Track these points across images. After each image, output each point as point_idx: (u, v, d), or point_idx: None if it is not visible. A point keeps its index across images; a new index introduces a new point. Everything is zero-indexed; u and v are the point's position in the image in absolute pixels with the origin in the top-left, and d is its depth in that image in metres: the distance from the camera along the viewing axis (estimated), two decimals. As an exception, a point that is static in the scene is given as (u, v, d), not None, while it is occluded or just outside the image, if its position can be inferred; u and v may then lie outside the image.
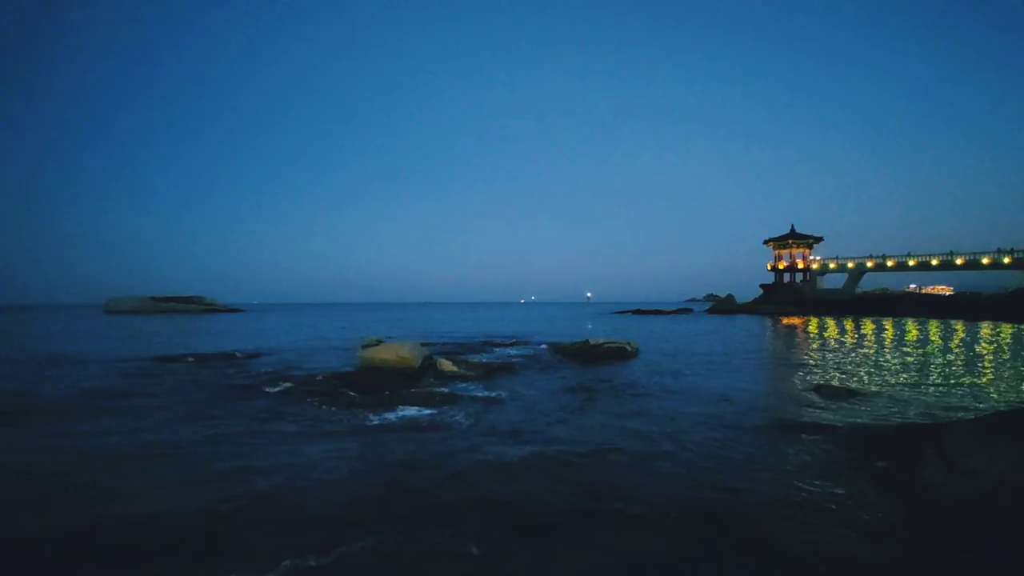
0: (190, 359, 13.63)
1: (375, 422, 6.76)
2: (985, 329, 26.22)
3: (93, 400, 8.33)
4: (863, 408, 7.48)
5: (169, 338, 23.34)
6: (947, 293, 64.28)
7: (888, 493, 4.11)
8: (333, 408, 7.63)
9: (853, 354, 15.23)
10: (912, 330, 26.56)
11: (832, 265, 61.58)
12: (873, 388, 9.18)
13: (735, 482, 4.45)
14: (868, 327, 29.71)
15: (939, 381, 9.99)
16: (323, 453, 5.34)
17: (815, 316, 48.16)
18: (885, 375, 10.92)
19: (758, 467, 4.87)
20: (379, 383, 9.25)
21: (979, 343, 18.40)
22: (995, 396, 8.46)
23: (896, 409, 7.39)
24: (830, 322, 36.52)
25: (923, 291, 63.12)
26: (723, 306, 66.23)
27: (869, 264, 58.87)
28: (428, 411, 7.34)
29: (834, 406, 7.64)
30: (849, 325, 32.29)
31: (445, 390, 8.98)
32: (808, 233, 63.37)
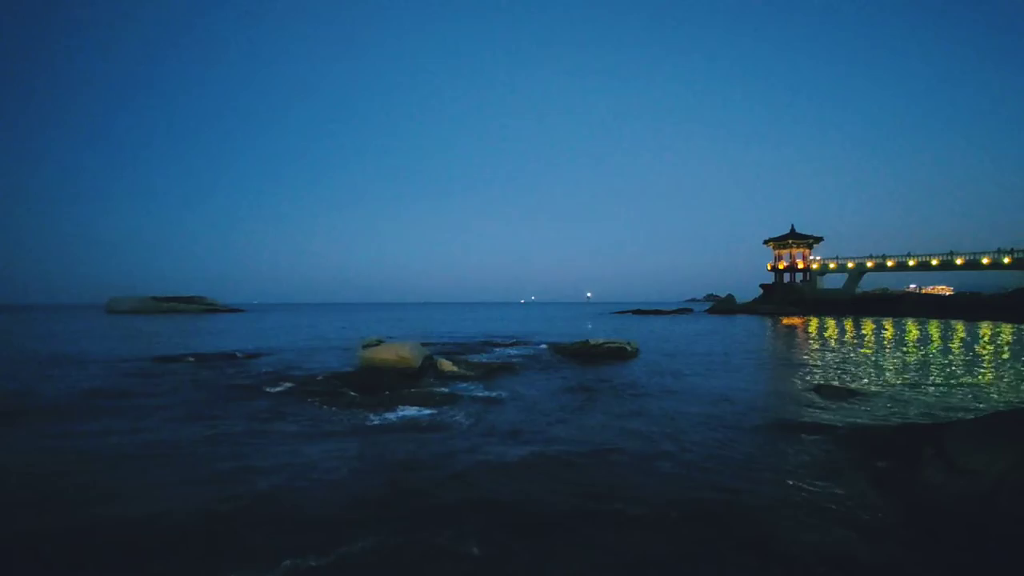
0: (190, 359, 13.63)
1: (375, 422, 6.76)
2: (985, 329, 26.22)
3: (93, 400, 8.34)
4: (863, 408, 7.48)
5: (170, 338, 23.35)
6: (947, 293, 64.28)
7: (888, 493, 4.11)
8: (333, 408, 7.64)
9: (853, 354, 15.23)
10: (912, 330, 26.56)
11: (832, 265, 61.59)
12: (873, 388, 9.18)
13: (735, 482, 4.45)
14: (868, 327, 29.71)
15: (939, 381, 9.99)
16: (323, 453, 5.34)
17: (815, 316, 48.17)
18: (885, 375, 10.92)
19: (758, 467, 4.87)
20: (379, 383, 9.25)
21: (979, 343, 18.40)
22: (995, 396, 8.46)
23: (896, 409, 7.39)
24: (830, 322, 36.52)
25: (923, 291, 63.13)
26: (723, 306, 66.23)
27: (869, 264, 58.88)
28: (428, 411, 7.34)
29: (834, 406, 7.64)
30: (849, 325, 32.29)
31: (445, 390, 8.99)
32: (808, 233, 63.40)
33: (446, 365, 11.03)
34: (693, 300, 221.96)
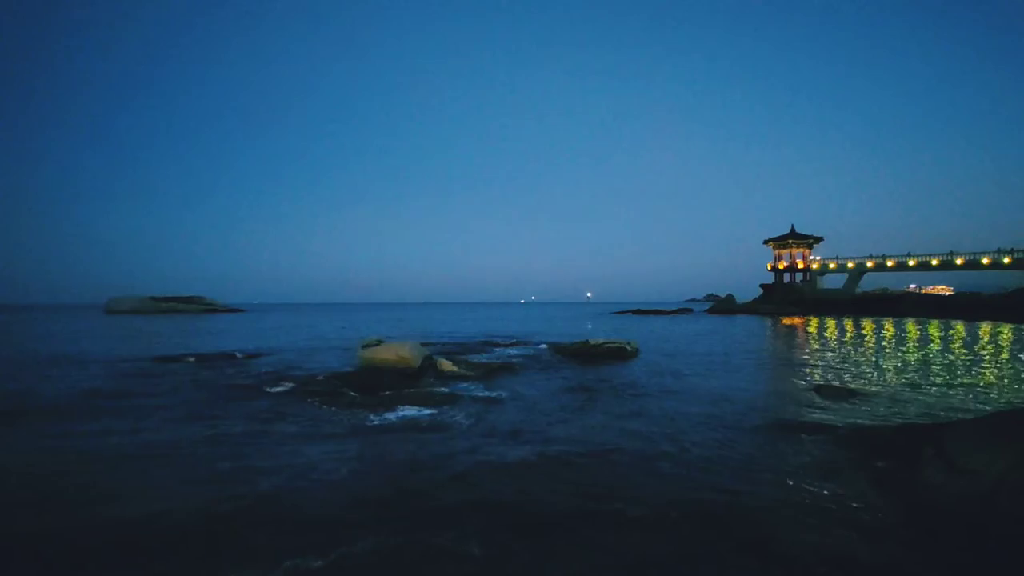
0: (190, 359, 13.63)
1: (375, 422, 6.76)
2: (985, 329, 26.22)
3: (93, 400, 8.33)
4: (863, 408, 7.48)
5: (169, 338, 23.34)
6: (947, 293, 64.27)
7: (888, 493, 4.11)
8: (333, 408, 7.63)
9: (853, 354, 15.23)
10: (912, 330, 26.56)
11: (832, 265, 61.58)
12: (873, 388, 9.18)
13: (735, 483, 4.45)
14: (868, 327, 29.71)
15: (939, 381, 9.99)
16: (323, 453, 5.34)
17: (815, 316, 48.16)
18: (885, 375, 10.92)
19: (758, 467, 4.87)
20: (379, 383, 9.25)
21: (979, 343, 18.40)
22: (995, 396, 8.46)
23: (896, 409, 7.39)
24: (830, 322, 36.52)
25: (923, 291, 63.11)
26: (723, 306, 66.22)
27: (869, 264, 58.87)
28: (428, 411, 7.34)
29: (834, 406, 7.64)
30: (849, 325, 32.29)
31: (445, 390, 8.99)
32: (808, 233, 63.39)
33: (446, 365, 11.03)
34: (693, 300, 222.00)
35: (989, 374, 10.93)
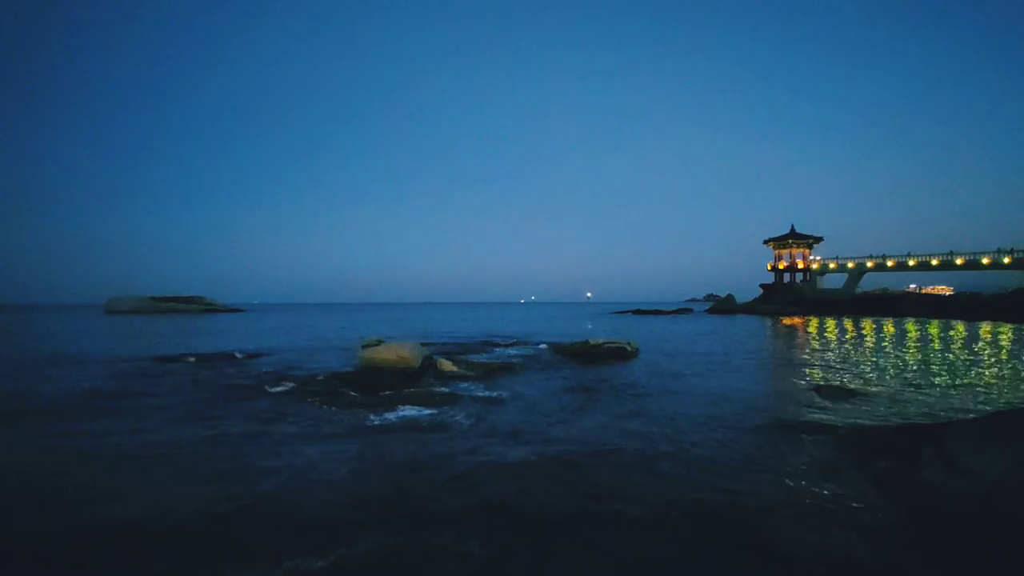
0: (190, 359, 13.63)
1: (376, 422, 6.76)
2: (985, 329, 26.22)
3: (93, 400, 8.33)
4: (863, 408, 7.48)
5: (169, 338, 23.34)
6: (947, 293, 64.27)
7: (888, 493, 4.11)
8: (334, 408, 7.64)
9: (853, 354, 15.23)
10: (912, 330, 26.56)
11: (832, 265, 61.58)
12: (873, 388, 9.18)
13: (735, 483, 4.45)
14: (868, 327, 29.71)
15: (939, 381, 9.99)
16: (324, 453, 5.35)
17: (815, 316, 48.16)
18: (885, 375, 10.91)
19: (758, 468, 4.87)
20: (379, 383, 9.25)
21: (979, 343, 18.40)
22: (995, 396, 8.46)
23: (896, 409, 7.39)
24: (830, 322, 36.52)
25: (923, 291, 63.09)
26: (723, 306, 66.22)
27: (869, 264, 58.87)
28: (428, 411, 7.34)
29: (834, 406, 7.64)
30: (849, 325, 32.29)
31: (445, 390, 8.99)
32: (808, 233, 63.38)
33: (446, 365, 11.03)
34: (693, 300, 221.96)
35: (989, 374, 10.93)
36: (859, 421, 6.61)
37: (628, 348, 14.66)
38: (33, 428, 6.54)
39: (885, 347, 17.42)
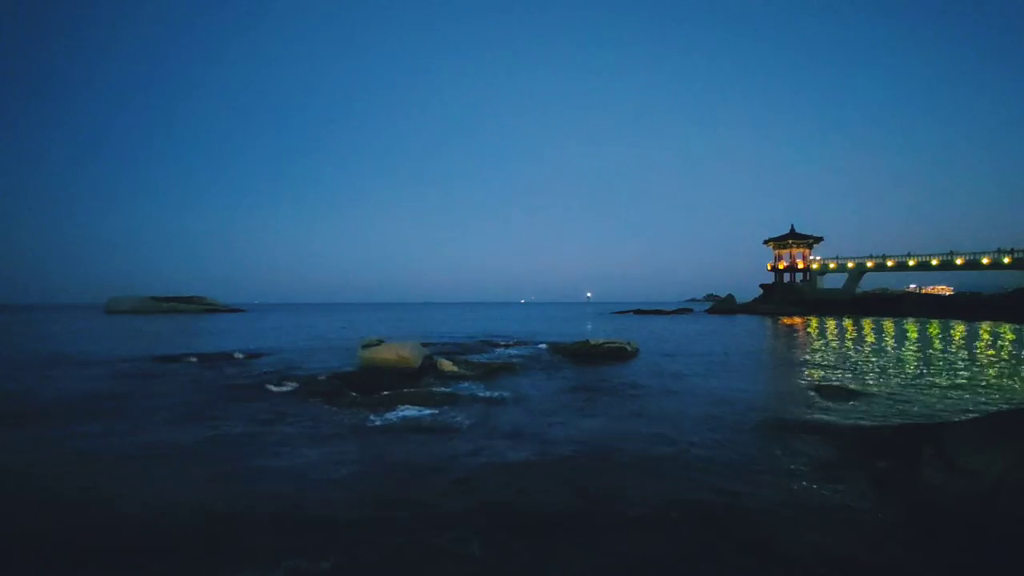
0: (191, 359, 13.63)
1: (376, 422, 6.77)
2: (985, 329, 26.23)
3: (93, 400, 8.33)
4: (863, 408, 7.48)
5: (170, 338, 23.35)
6: (947, 293, 64.25)
7: (888, 493, 4.12)
8: (334, 408, 7.64)
9: (853, 354, 15.23)
10: (912, 330, 26.56)
11: (832, 265, 61.58)
12: (873, 388, 9.18)
13: (735, 483, 4.45)
14: (868, 327, 29.71)
15: (939, 381, 9.99)
16: (324, 454, 5.35)
17: (815, 316, 48.16)
18: (885, 375, 10.92)
19: (758, 468, 4.87)
20: (380, 383, 9.26)
21: (979, 343, 18.40)
22: (995, 396, 8.46)
23: (896, 409, 7.39)
24: (830, 322, 36.52)
25: (923, 291, 63.06)
26: (723, 306, 66.22)
27: (869, 264, 58.87)
28: (429, 411, 7.35)
29: (834, 406, 7.65)
30: (849, 325, 32.29)
31: (445, 390, 8.99)
32: (808, 233, 63.37)
33: (446, 365, 11.04)
34: (693, 300, 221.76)
35: (989, 374, 10.93)
36: (859, 421, 6.62)
37: (628, 348, 14.66)
38: (33, 428, 6.54)
39: (885, 347, 17.42)
